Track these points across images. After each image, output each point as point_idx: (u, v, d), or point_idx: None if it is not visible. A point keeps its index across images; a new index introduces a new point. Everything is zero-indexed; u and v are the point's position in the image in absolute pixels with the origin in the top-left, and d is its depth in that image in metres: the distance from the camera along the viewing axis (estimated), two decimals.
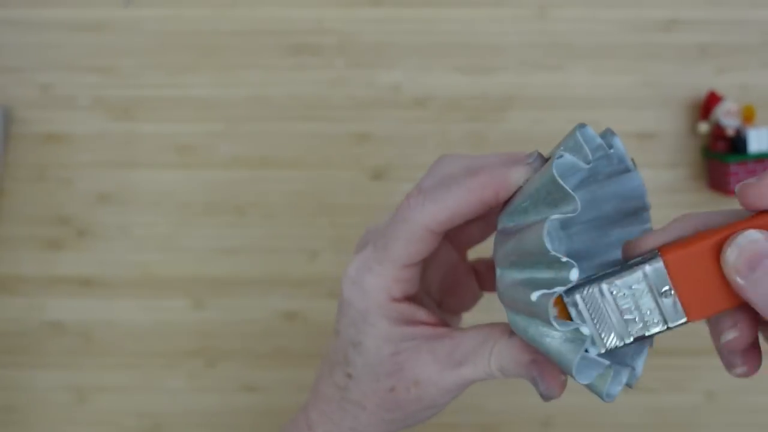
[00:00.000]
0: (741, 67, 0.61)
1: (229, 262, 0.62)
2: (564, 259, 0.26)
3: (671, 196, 0.61)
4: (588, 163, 0.27)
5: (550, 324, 0.26)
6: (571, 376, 0.27)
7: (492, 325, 0.32)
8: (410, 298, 0.34)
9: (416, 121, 0.62)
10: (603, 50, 0.62)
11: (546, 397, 0.30)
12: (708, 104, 0.59)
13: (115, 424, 0.61)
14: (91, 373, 0.61)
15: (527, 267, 0.28)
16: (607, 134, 0.29)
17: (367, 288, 0.32)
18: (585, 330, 0.27)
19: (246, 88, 0.62)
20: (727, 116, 0.58)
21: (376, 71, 0.62)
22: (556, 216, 0.26)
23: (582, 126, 0.28)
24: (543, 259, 0.26)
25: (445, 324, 0.34)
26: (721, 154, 0.58)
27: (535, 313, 0.27)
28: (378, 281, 0.32)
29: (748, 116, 0.59)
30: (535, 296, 0.26)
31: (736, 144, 0.58)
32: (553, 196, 0.27)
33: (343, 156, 0.62)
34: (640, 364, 0.30)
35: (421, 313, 0.33)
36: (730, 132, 0.58)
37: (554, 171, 0.26)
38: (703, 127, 0.59)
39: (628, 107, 0.61)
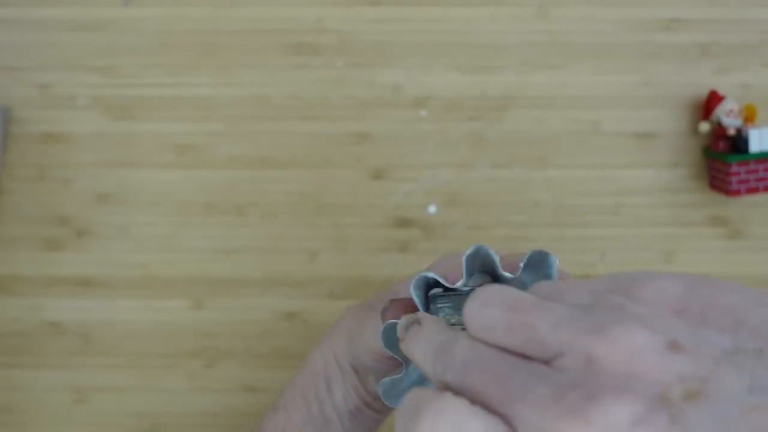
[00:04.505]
0: (742, 67, 0.61)
1: (229, 262, 0.61)
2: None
3: (672, 196, 0.61)
4: (465, 285, 0.32)
5: None
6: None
7: None
8: None
9: (416, 121, 0.61)
10: (603, 50, 0.61)
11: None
12: (709, 104, 0.59)
13: (114, 424, 0.61)
14: (90, 373, 0.61)
15: None
16: (545, 256, 0.31)
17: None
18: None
19: (246, 88, 0.62)
20: (729, 116, 0.58)
21: (376, 71, 0.62)
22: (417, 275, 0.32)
23: (489, 255, 0.31)
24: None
25: None
26: (722, 153, 0.58)
27: None
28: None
29: (749, 116, 0.58)
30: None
31: (738, 144, 0.58)
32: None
33: (343, 156, 0.62)
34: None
35: None
36: (732, 131, 0.58)
37: (413, 284, 0.32)
38: (704, 126, 0.59)
39: (628, 107, 0.61)
